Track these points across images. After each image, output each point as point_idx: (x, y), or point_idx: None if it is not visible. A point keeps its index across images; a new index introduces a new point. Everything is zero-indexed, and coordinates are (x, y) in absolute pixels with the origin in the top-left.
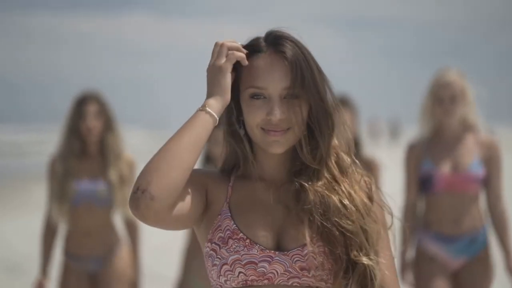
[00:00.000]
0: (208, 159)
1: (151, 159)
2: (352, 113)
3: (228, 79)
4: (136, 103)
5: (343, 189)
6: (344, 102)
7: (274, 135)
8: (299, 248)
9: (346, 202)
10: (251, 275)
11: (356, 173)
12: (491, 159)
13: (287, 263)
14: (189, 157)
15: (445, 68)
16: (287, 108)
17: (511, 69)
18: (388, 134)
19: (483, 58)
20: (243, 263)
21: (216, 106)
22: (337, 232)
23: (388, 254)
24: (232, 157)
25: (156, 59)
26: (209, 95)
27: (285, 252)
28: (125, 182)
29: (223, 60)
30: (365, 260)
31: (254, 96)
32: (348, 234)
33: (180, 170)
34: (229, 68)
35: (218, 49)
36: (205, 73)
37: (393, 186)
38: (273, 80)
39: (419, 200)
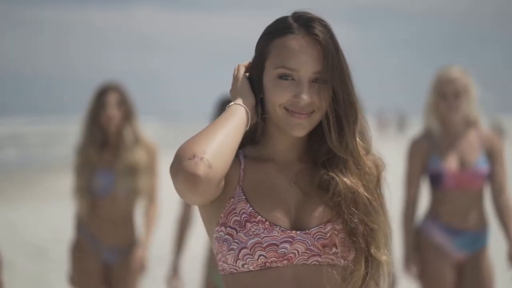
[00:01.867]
0: None
1: (195, 136)
2: None
3: (245, 83)
4: (147, 96)
5: (369, 185)
6: None
7: (299, 117)
8: (321, 226)
9: (371, 199)
10: (271, 257)
11: (370, 165)
12: (493, 153)
13: (308, 242)
14: (235, 137)
15: (448, 65)
16: (314, 92)
17: None
18: (395, 126)
19: (490, 51)
20: (264, 245)
21: (243, 102)
22: (362, 228)
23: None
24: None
25: (167, 52)
26: (235, 98)
27: (307, 231)
28: (139, 172)
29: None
30: (383, 258)
31: (282, 77)
32: (370, 231)
33: (230, 146)
34: (242, 72)
35: (236, 72)
36: (216, 66)
37: (400, 177)
38: (305, 62)
39: (419, 195)
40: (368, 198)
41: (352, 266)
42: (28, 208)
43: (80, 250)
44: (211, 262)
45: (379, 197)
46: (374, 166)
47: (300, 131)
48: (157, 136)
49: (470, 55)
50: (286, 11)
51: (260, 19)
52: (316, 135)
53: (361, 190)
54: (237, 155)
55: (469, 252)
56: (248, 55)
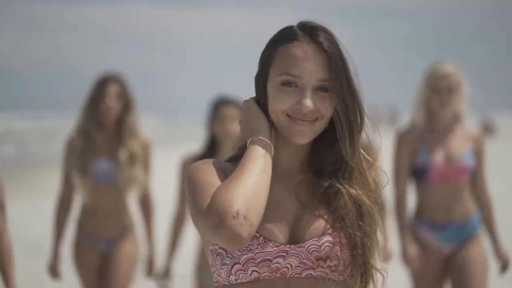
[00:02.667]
0: (213, 142)
1: (235, 185)
2: None
3: (261, 113)
4: (145, 92)
5: (372, 194)
6: None
7: (302, 124)
8: (315, 238)
9: (374, 210)
10: (264, 272)
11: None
12: (479, 152)
13: (302, 255)
14: (268, 184)
15: (441, 60)
16: (318, 99)
17: (510, 58)
18: (387, 121)
19: (481, 47)
20: (257, 261)
21: (264, 135)
22: (366, 241)
23: None
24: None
25: (166, 48)
26: (253, 133)
27: (301, 244)
28: (136, 162)
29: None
30: (378, 266)
31: (285, 83)
32: (371, 242)
33: (265, 198)
34: (253, 103)
35: (247, 105)
36: (216, 63)
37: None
38: (309, 70)
39: (409, 189)
40: (372, 208)
41: (349, 281)
42: (24, 203)
43: (79, 248)
44: (202, 263)
45: (379, 208)
46: (374, 183)
47: (303, 139)
48: (155, 132)
49: (461, 53)
50: (285, 9)
51: (260, 17)
52: (321, 144)
53: (366, 200)
54: (234, 166)
55: (457, 244)
56: (247, 52)
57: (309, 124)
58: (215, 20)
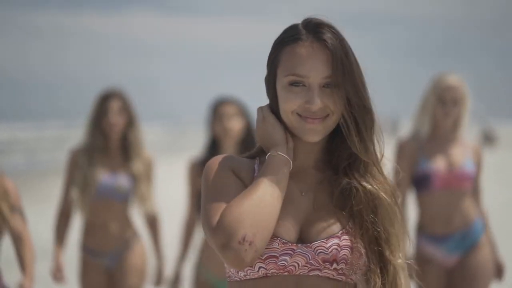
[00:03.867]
0: (214, 142)
1: (245, 207)
2: None
3: (277, 123)
4: (146, 101)
5: (387, 188)
6: None
7: (312, 123)
8: (323, 240)
9: (390, 203)
10: (271, 269)
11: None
12: (478, 163)
13: (309, 255)
14: (279, 205)
15: (447, 72)
16: (326, 96)
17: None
18: (389, 130)
19: (485, 57)
20: (263, 258)
21: (283, 149)
22: (380, 234)
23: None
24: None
25: (165, 57)
26: (271, 146)
27: (308, 244)
28: (141, 180)
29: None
30: (398, 261)
31: (293, 84)
32: (387, 236)
33: (275, 220)
34: (269, 111)
35: (261, 114)
36: (214, 71)
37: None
38: (314, 69)
39: (409, 201)
40: (388, 202)
41: (369, 277)
42: (30, 210)
43: (85, 269)
44: (202, 260)
45: (397, 203)
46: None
47: (314, 136)
48: (158, 141)
49: (464, 60)
50: (285, 16)
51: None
52: (337, 140)
53: (381, 194)
54: (252, 163)
55: (462, 253)
56: (247, 59)
57: (320, 122)
58: (215, 28)
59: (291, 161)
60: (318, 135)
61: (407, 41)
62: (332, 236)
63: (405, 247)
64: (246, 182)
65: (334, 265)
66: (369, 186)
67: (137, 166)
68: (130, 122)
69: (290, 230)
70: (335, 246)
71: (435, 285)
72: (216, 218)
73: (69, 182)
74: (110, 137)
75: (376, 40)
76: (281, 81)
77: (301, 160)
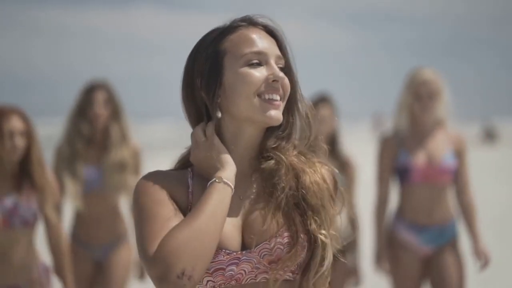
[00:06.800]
0: None
1: (185, 239)
2: (331, 110)
3: (221, 144)
4: (151, 97)
5: (314, 167)
6: (325, 99)
7: (275, 105)
8: (265, 242)
9: (318, 180)
10: (219, 281)
11: (320, 164)
12: (461, 152)
13: (254, 260)
14: (220, 232)
15: (420, 67)
16: None
17: None
18: (390, 126)
19: (488, 53)
20: (210, 271)
21: (229, 175)
22: (301, 206)
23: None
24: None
25: (169, 54)
26: (215, 170)
27: (253, 250)
28: (127, 168)
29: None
30: (323, 236)
31: (250, 64)
32: (314, 210)
33: (214, 249)
34: (213, 131)
35: (200, 135)
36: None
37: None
38: (268, 46)
39: (391, 192)
40: (310, 175)
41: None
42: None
43: (75, 258)
44: None
45: (333, 186)
46: (330, 179)
47: (278, 118)
48: (165, 138)
49: (468, 58)
50: (288, 13)
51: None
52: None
53: (307, 169)
54: (184, 176)
55: (436, 246)
56: None
57: (281, 104)
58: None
59: (233, 189)
60: (280, 116)
61: (410, 38)
62: (273, 236)
63: (336, 226)
64: (181, 200)
65: (280, 264)
66: (288, 158)
67: (111, 157)
68: (115, 114)
69: (233, 239)
70: (279, 245)
71: (409, 270)
72: (153, 247)
73: (58, 178)
74: (94, 128)
75: (379, 37)
76: (234, 68)
77: (238, 164)
